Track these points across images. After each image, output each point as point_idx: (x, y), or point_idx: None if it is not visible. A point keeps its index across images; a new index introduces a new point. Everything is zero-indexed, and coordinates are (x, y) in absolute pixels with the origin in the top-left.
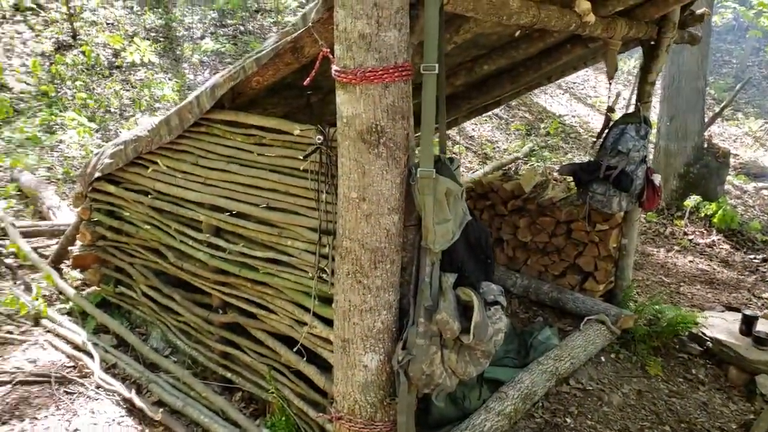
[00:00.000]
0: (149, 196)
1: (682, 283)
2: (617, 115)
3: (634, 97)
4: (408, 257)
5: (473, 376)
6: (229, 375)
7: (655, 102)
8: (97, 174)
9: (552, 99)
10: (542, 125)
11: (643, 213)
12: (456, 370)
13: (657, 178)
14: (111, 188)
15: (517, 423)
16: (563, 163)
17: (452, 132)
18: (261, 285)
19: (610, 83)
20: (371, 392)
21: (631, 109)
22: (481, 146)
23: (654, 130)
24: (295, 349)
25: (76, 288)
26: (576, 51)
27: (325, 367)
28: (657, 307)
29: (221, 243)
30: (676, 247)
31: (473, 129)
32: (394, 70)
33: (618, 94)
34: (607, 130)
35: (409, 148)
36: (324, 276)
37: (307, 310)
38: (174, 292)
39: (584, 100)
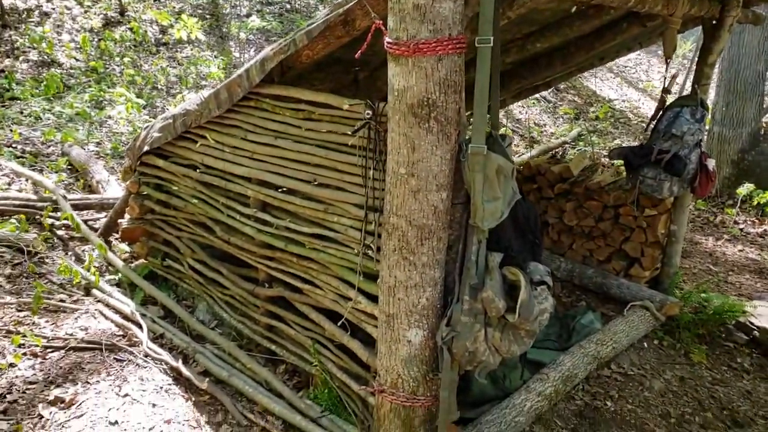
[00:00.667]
0: (197, 170)
1: (730, 272)
2: (672, 98)
3: (689, 80)
4: (455, 235)
5: (516, 355)
6: (273, 347)
7: (711, 86)
8: (146, 148)
9: (602, 83)
10: (591, 109)
11: (694, 199)
12: (499, 348)
13: (711, 163)
14: (160, 162)
15: (557, 405)
16: (613, 147)
17: (500, 113)
18: (306, 260)
19: (667, 63)
20: (414, 367)
21: (686, 93)
22: (528, 129)
23: (708, 116)
24: (339, 324)
25: (124, 260)
26: (632, 30)
27: (368, 342)
28: (704, 295)
29: (268, 218)
30: (725, 236)
31: (520, 112)
32: (448, 42)
33: (674, 76)
34: (661, 113)
35: (460, 123)
36: (369, 252)
37: (351, 285)
38: (221, 265)
39: (635, 84)
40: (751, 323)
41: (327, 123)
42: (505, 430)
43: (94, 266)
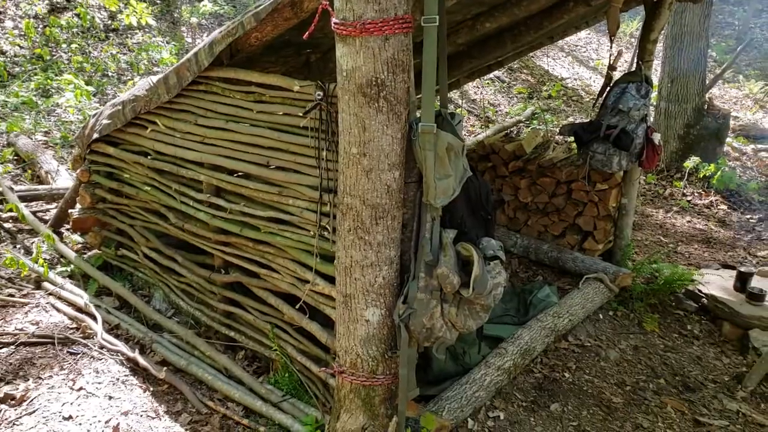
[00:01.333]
0: (149, 156)
1: (680, 243)
2: (619, 75)
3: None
4: (409, 213)
5: (473, 330)
6: (232, 334)
7: (657, 64)
8: (96, 135)
9: (554, 62)
10: (544, 88)
11: (643, 173)
12: (456, 323)
13: (657, 137)
14: (110, 150)
15: (516, 378)
16: (564, 124)
17: (454, 95)
18: (262, 244)
19: (611, 40)
20: (373, 346)
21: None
22: (483, 109)
23: (655, 92)
24: (297, 307)
25: (76, 251)
26: (578, 9)
27: (327, 324)
28: (655, 265)
29: (222, 203)
30: (674, 208)
31: (475, 92)
32: (395, 22)
33: (620, 53)
34: (608, 89)
35: (410, 102)
36: (325, 234)
37: (308, 268)
38: (176, 253)
39: (586, 62)
40: (700, 291)
41: (278, 105)
42: (465, 405)
43: (43, 258)
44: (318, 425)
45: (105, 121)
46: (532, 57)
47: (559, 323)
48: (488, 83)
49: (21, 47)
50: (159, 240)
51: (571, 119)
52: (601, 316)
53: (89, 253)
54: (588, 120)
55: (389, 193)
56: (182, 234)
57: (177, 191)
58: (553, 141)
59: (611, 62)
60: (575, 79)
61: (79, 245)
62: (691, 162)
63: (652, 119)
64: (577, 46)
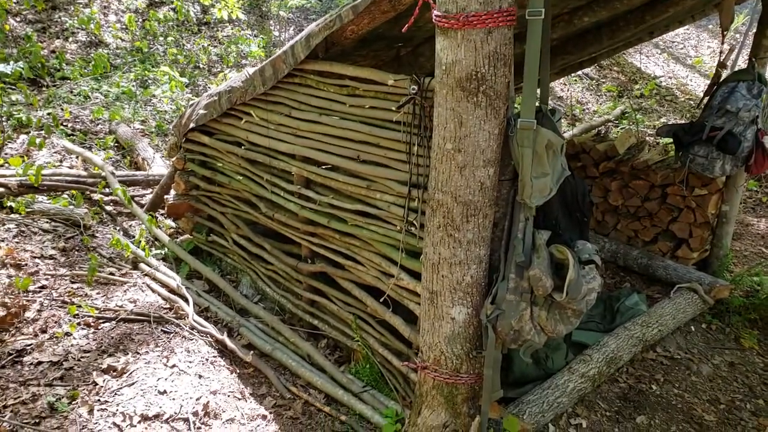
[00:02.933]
0: (242, 147)
1: None
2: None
3: (743, 55)
4: (501, 212)
5: (563, 335)
6: (315, 322)
7: None
8: (192, 125)
9: (647, 59)
10: (636, 87)
11: (748, 178)
12: (545, 327)
13: None
14: (205, 139)
15: (601, 386)
16: (661, 125)
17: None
18: (349, 236)
19: (723, 36)
20: (457, 344)
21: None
22: (570, 107)
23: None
24: (381, 300)
25: (169, 236)
26: (685, 2)
27: (410, 319)
28: (756, 278)
29: (311, 194)
30: None
31: (562, 89)
32: (498, 15)
33: (731, 49)
34: (715, 88)
35: (509, 97)
36: (412, 229)
37: (394, 262)
38: (264, 241)
39: (683, 60)
40: None
41: (371, 99)
42: (547, 410)
43: (143, 240)
44: (398, 418)
45: (201, 111)
46: (624, 54)
47: (647, 333)
48: (576, 80)
49: (122, 40)
50: (248, 228)
51: (664, 120)
52: (693, 329)
53: (181, 238)
54: (687, 121)
55: (482, 190)
56: (271, 223)
57: (268, 182)
58: (646, 142)
59: (722, 59)
60: (670, 78)
61: (172, 230)
62: None
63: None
64: (673, 42)
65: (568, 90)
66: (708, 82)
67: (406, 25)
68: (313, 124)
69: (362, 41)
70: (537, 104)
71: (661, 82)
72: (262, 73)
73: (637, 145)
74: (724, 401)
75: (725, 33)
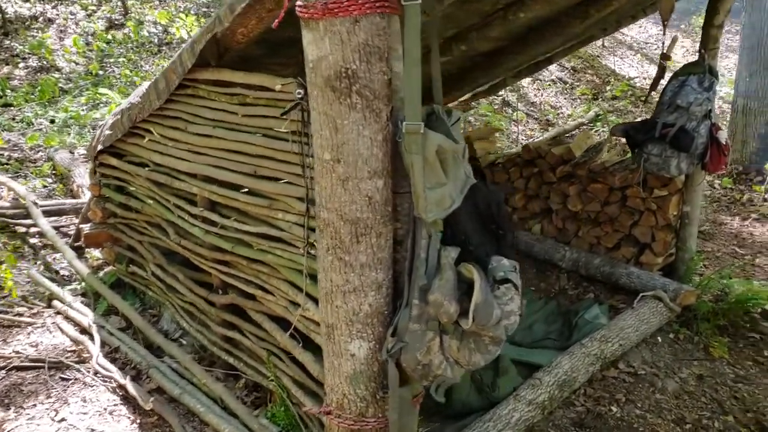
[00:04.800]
0: (147, 168)
1: (758, 254)
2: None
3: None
4: (404, 229)
5: (480, 366)
6: (231, 360)
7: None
8: (100, 146)
9: (621, 61)
10: (608, 88)
11: (718, 177)
12: (459, 359)
13: (723, 136)
14: (114, 161)
15: (553, 413)
16: (615, 124)
17: (512, 97)
18: (256, 263)
19: (664, 26)
20: (361, 384)
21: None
22: (543, 112)
23: (730, 89)
24: (288, 333)
25: (97, 267)
26: None
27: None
28: (725, 281)
29: (215, 217)
30: (753, 215)
31: (535, 95)
32: (365, 1)
33: (674, 39)
34: (667, 83)
35: (392, 98)
36: (312, 251)
37: (300, 289)
38: (179, 270)
39: (656, 60)
40: None
41: (263, 107)
42: None
43: (62, 276)
44: None
45: (107, 132)
46: (598, 57)
47: (606, 349)
48: (549, 84)
49: (76, 63)
50: (166, 257)
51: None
52: (659, 340)
53: (106, 270)
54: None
55: (371, 205)
56: (182, 250)
57: (174, 204)
58: (607, 143)
59: (665, 50)
60: (644, 78)
61: (100, 261)
62: None
63: (729, 118)
64: (647, 43)
65: (541, 94)
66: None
67: (276, 20)
68: (209, 138)
69: (271, 47)
70: (431, 105)
71: (635, 82)
72: (156, 86)
73: (595, 147)
74: (690, 420)
75: (665, 23)
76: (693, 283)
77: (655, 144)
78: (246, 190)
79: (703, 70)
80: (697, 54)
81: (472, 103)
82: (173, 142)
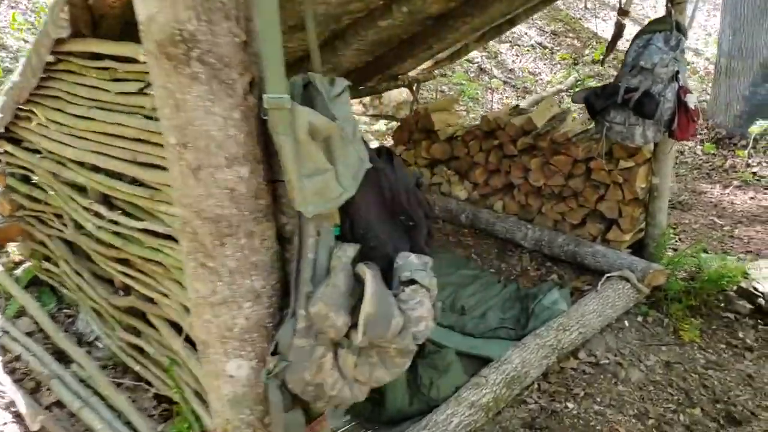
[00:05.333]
0: (39, 155)
1: (738, 225)
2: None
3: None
4: (293, 224)
5: (385, 381)
6: (138, 369)
7: (716, 13)
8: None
9: (604, 23)
10: (588, 52)
11: (699, 143)
12: (358, 376)
13: (692, 100)
14: (8, 147)
15: (501, 413)
16: (577, 90)
17: (488, 63)
18: (151, 262)
19: None
20: (245, 408)
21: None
22: (522, 79)
23: (713, 48)
24: (182, 341)
25: (15, 264)
26: None
27: None
28: (698, 257)
29: (103, 210)
30: (735, 182)
31: (513, 61)
32: None
33: None
34: (630, 43)
35: (249, 66)
36: None
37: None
38: (83, 268)
39: (641, 22)
40: (756, 289)
41: (134, 82)
42: None
43: None
44: None
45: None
46: (580, 19)
47: (564, 338)
48: (528, 50)
49: (26, 41)
50: (77, 253)
51: None
52: (626, 324)
53: (22, 267)
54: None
55: (234, 199)
56: (86, 247)
57: (69, 195)
58: (569, 111)
59: (622, 4)
60: (627, 41)
61: (20, 257)
62: (757, 126)
63: (684, 76)
64: (634, 4)
65: (520, 61)
66: None
67: None
68: (88, 120)
69: None
70: (306, 75)
71: (618, 46)
72: (29, 63)
73: (559, 116)
74: (653, 415)
75: None
76: (664, 260)
77: (617, 111)
78: (131, 179)
79: (669, 26)
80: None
81: (446, 72)
82: (56, 126)
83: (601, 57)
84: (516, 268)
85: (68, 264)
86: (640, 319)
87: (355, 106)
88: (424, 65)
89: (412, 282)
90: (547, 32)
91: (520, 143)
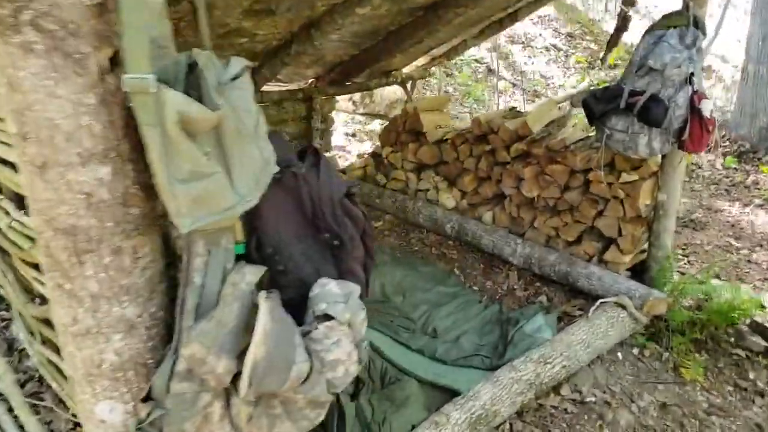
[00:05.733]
0: None
1: (756, 248)
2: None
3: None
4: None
5: None
6: (55, 385)
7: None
8: None
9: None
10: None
11: (719, 156)
12: (254, 431)
13: (707, 106)
14: None
15: None
16: (577, 92)
17: (499, 66)
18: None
19: None
20: None
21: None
22: (532, 82)
23: (741, 54)
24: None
25: None
26: None
27: None
28: (707, 284)
29: (10, 208)
30: (756, 200)
31: (525, 63)
32: None
33: None
34: (640, 40)
35: (109, 37)
36: None
37: None
38: (9, 270)
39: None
40: None
41: None
42: None
43: None
44: None
45: None
46: (599, 21)
47: (544, 372)
48: (541, 52)
49: None
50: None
51: None
52: (620, 356)
53: None
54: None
55: (92, 207)
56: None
57: None
58: (571, 116)
59: None
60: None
61: None
62: None
63: (699, 80)
64: (656, 6)
65: (532, 63)
66: None
67: None
68: None
69: None
70: (191, 52)
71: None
72: None
73: (559, 121)
74: None
75: None
76: (667, 287)
77: (619, 117)
78: None
79: (686, 21)
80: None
81: (452, 71)
82: None
83: (601, 57)
84: (502, 287)
85: None
86: (635, 351)
87: (345, 103)
88: (419, 61)
89: (328, 317)
90: (562, 34)
91: (513, 149)
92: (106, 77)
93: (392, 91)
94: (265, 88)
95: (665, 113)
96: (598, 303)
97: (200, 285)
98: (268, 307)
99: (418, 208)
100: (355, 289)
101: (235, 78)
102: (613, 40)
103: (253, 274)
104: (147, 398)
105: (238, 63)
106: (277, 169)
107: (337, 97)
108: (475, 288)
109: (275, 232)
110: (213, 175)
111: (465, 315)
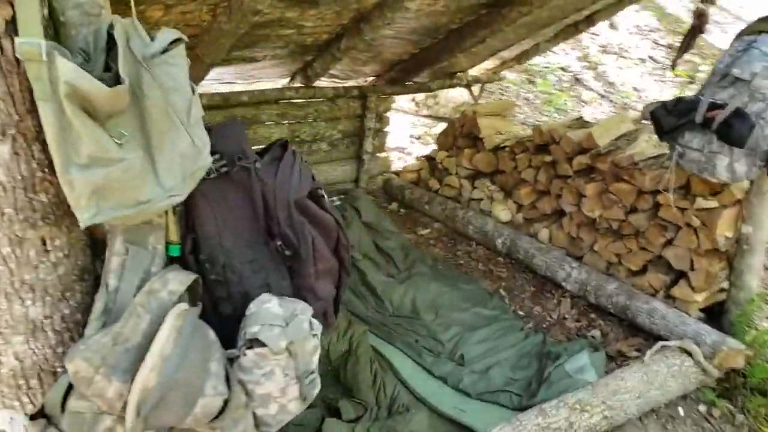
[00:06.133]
0: None
1: None
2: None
3: None
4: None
5: None
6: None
7: None
8: None
9: (728, 35)
10: (704, 69)
11: None
12: None
13: None
14: None
15: None
16: (649, 103)
17: (586, 74)
18: None
19: None
20: None
21: None
22: (623, 95)
23: None
24: None
25: None
26: None
27: None
28: None
29: None
30: None
31: (617, 74)
32: None
33: None
34: (729, 46)
35: None
36: None
37: None
38: None
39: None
40: None
41: None
42: None
43: None
44: None
45: None
46: (705, 33)
47: (579, 422)
48: (636, 63)
49: None
50: None
51: None
52: (681, 412)
53: None
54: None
55: None
56: None
57: None
58: (646, 129)
59: None
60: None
61: None
62: None
63: None
64: (742, 7)
65: (623, 74)
66: None
67: None
68: None
69: None
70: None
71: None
72: None
73: (631, 134)
74: None
75: None
76: (749, 336)
77: (694, 133)
78: None
79: None
80: None
81: (534, 78)
82: None
83: (672, 62)
84: (551, 315)
85: None
86: (702, 409)
87: (407, 103)
88: (486, 64)
89: (260, 343)
90: (662, 45)
91: (576, 163)
92: (3, 42)
93: (459, 94)
94: (318, 83)
95: (750, 131)
96: (658, 345)
97: (114, 289)
98: (173, 325)
99: (468, 219)
100: (305, 310)
101: (164, 52)
102: (686, 43)
103: (179, 282)
104: (34, 417)
105: (169, 34)
106: (211, 160)
107: (397, 97)
108: (521, 313)
109: (214, 234)
110: (122, 162)
111: (501, 343)
